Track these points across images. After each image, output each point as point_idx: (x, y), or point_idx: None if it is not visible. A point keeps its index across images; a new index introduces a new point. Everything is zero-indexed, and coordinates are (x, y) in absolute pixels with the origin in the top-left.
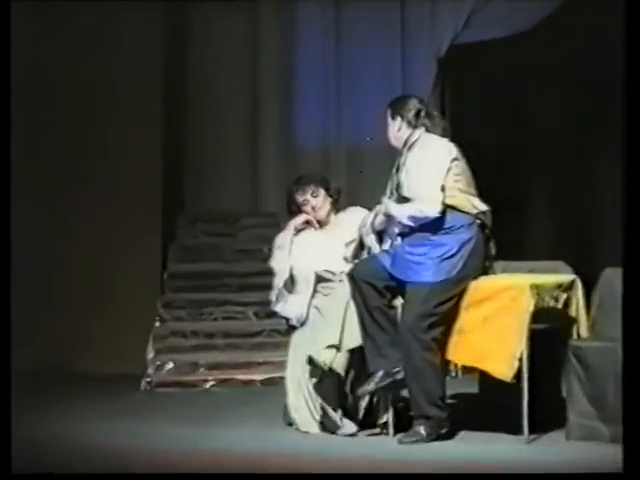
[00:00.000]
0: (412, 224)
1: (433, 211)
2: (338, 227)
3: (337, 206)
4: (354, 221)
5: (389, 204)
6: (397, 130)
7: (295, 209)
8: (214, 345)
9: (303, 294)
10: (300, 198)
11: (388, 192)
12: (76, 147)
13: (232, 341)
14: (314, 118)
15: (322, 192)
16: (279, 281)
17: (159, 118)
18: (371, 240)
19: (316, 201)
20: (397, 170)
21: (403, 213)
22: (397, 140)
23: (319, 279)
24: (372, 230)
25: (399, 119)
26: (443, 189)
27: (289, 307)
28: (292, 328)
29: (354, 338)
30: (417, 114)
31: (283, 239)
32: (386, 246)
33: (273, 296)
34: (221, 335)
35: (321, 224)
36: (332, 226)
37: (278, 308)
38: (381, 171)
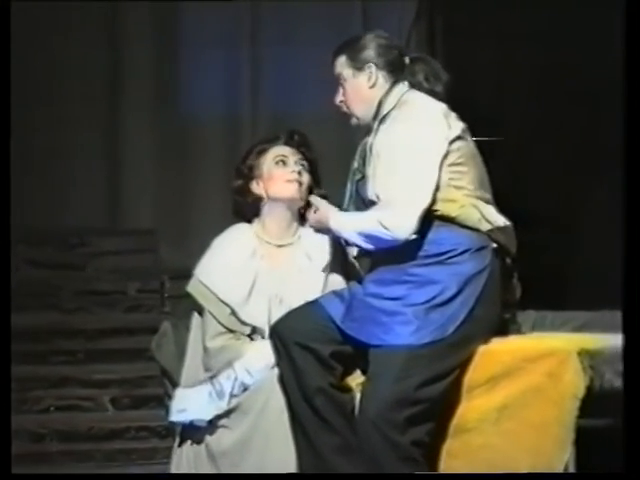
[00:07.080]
0: (370, 247)
1: (405, 229)
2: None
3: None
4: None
5: (328, 211)
6: (368, 87)
7: (249, 201)
8: (44, 454)
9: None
10: (279, 170)
11: (347, 197)
12: None
13: (75, 447)
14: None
15: (307, 175)
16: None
17: None
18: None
19: (305, 179)
20: (363, 160)
21: (353, 229)
22: (365, 103)
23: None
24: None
25: (370, 69)
26: (436, 189)
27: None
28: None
29: None
30: (400, 57)
31: (239, 249)
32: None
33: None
34: (56, 437)
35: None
36: (295, 248)
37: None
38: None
